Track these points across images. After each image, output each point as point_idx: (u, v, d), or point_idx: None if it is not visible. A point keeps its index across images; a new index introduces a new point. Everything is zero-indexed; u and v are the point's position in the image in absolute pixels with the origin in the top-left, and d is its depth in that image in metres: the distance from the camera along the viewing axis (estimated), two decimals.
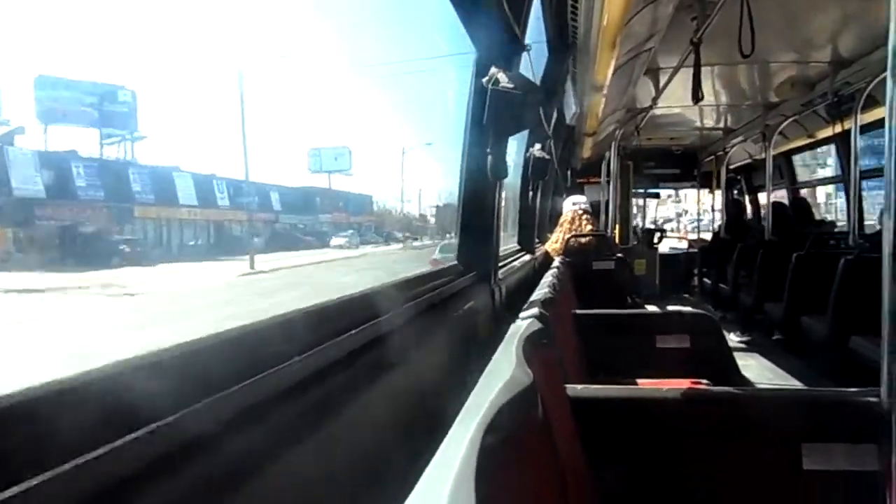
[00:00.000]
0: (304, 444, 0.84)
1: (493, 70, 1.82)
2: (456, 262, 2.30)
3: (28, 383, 0.58)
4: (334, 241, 6.93)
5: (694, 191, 10.58)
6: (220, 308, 3.05)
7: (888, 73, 1.32)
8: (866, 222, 5.67)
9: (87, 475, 0.54)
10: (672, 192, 12.83)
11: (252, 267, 4.53)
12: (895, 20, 1.29)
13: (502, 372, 1.06)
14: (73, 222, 3.63)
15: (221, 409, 0.72)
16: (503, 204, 2.67)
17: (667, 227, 13.54)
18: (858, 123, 4.78)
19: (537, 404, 1.06)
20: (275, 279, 4.56)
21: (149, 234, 4.41)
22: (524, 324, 1.57)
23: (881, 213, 1.48)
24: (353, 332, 1.13)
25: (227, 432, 0.70)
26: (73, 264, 3.30)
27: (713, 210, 10.20)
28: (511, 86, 1.80)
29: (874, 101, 4.63)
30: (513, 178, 4.80)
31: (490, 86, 1.81)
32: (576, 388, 1.71)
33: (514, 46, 2.27)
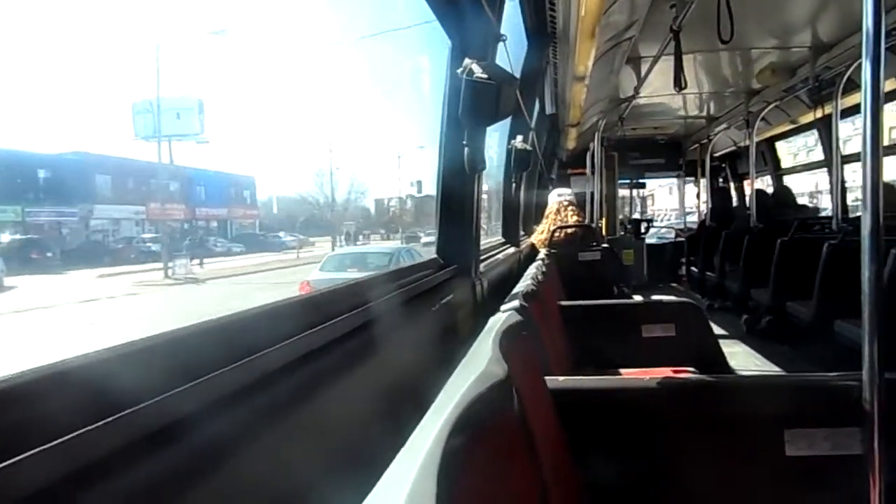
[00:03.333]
0: (281, 428, 0.87)
1: (466, 61, 1.79)
2: (436, 256, 2.28)
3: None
4: None
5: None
6: None
7: (863, 57, 1.31)
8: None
9: (75, 451, 0.57)
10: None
11: None
12: (870, 2, 1.28)
13: (477, 365, 1.04)
14: None
15: (204, 392, 0.75)
16: (485, 197, 2.65)
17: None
18: (839, 108, 4.79)
19: (512, 397, 1.04)
20: None
21: None
22: (503, 316, 1.55)
23: None
24: (331, 322, 1.14)
25: (209, 414, 0.73)
26: None
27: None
28: (485, 76, 1.77)
29: (854, 85, 4.64)
30: (497, 171, 4.78)
31: (464, 76, 1.78)
32: (557, 380, 1.69)
33: (489, 36, 2.24)
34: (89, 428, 0.59)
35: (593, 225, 6.74)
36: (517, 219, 5.28)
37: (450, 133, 2.20)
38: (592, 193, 7.72)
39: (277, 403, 0.89)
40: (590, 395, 1.74)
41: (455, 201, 2.31)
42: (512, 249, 4.57)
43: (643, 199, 13.57)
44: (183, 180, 5.04)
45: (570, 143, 7.12)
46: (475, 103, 1.77)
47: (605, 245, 5.84)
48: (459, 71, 1.79)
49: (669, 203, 15.34)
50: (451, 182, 2.28)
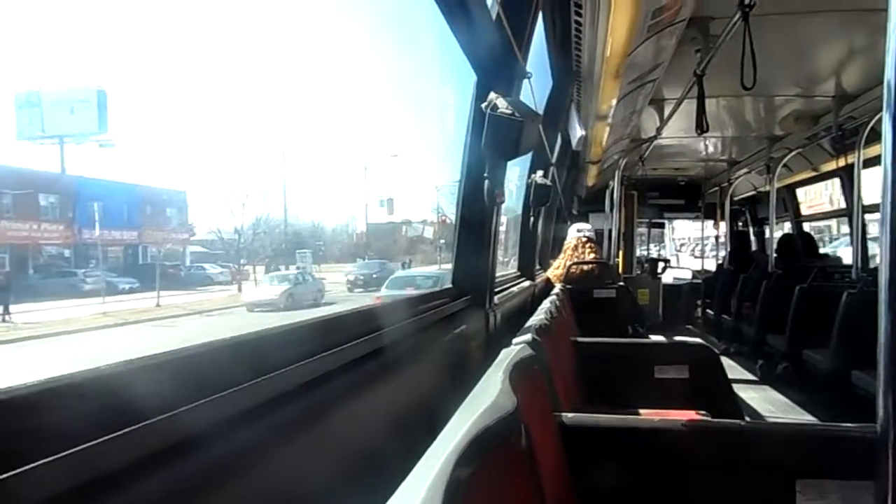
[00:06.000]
0: (294, 447, 0.88)
1: (491, 95, 1.83)
2: (451, 286, 2.29)
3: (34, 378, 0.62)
4: None
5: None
6: None
7: (884, 109, 1.32)
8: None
9: (89, 462, 0.58)
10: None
11: None
12: (892, 55, 1.29)
13: (486, 397, 1.04)
14: None
15: (219, 408, 0.76)
16: (503, 229, 2.67)
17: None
18: (861, 157, 4.77)
19: (520, 431, 1.04)
20: None
21: None
22: (515, 349, 1.55)
23: None
24: (346, 346, 1.16)
25: (223, 430, 0.74)
26: None
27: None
28: (509, 111, 1.80)
29: (878, 136, 4.62)
30: (515, 203, 4.80)
31: (488, 110, 1.81)
32: (567, 416, 1.68)
33: (514, 72, 2.28)
34: (104, 439, 0.60)
35: (610, 262, 6.71)
36: (534, 252, 5.28)
37: (471, 164, 2.23)
38: (610, 231, 7.70)
39: (291, 422, 0.89)
40: (599, 433, 1.73)
41: (473, 233, 2.32)
42: (527, 283, 4.56)
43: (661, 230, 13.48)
44: (64, 192, 3.61)
45: (590, 181, 7.14)
46: (498, 137, 1.80)
47: (620, 283, 5.81)
48: (484, 105, 1.82)
49: (691, 232, 15.20)
50: (470, 213, 2.30)
